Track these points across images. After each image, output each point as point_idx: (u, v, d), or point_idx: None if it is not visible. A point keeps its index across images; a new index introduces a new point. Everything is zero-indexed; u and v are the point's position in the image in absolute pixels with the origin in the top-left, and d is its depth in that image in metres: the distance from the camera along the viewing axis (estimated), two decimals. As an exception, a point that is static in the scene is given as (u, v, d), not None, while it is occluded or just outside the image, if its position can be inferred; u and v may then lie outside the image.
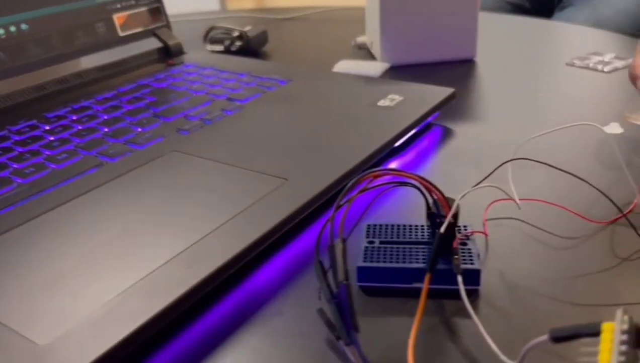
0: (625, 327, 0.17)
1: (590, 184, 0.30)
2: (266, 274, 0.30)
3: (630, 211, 0.31)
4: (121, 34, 0.56)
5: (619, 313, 0.17)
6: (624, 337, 0.16)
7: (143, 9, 0.58)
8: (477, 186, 0.32)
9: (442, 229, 0.26)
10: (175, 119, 0.44)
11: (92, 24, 0.54)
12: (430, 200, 0.28)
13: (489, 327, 0.25)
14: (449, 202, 0.28)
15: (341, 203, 0.24)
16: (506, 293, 0.28)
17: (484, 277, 0.29)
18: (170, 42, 0.59)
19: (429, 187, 0.27)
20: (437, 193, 0.27)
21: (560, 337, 0.18)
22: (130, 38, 0.57)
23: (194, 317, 0.27)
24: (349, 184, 0.25)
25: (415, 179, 0.26)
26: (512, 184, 0.33)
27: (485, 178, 0.33)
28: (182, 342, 0.26)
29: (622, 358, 0.16)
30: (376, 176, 0.26)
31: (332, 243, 0.24)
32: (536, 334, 0.20)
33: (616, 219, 0.31)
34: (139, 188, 0.34)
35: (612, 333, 0.17)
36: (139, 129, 0.42)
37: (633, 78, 0.40)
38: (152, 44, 0.59)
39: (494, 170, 0.33)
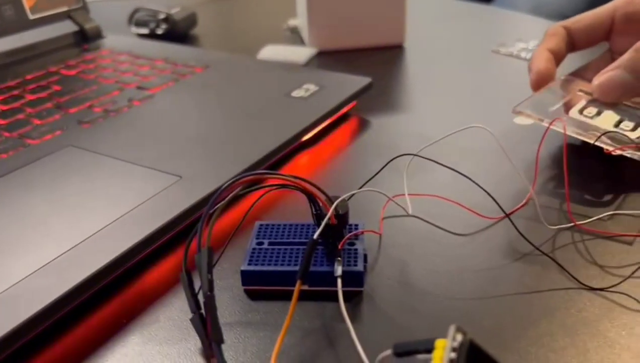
0: (456, 344, 0.17)
1: (477, 184, 0.30)
2: (151, 280, 0.29)
3: (514, 211, 0.31)
4: (31, 17, 0.53)
5: (451, 329, 0.17)
6: (453, 355, 0.16)
7: (55, -10, 0.55)
8: (364, 186, 0.31)
9: (316, 235, 0.26)
10: (78, 110, 0.42)
11: (-3, 6, 0.51)
12: (320, 202, 0.28)
13: (369, 329, 0.25)
14: (334, 203, 0.28)
15: (210, 211, 0.23)
16: (392, 294, 0.27)
17: (371, 278, 0.29)
18: (87, 26, 0.57)
19: (311, 190, 0.26)
20: (320, 196, 0.27)
21: (401, 352, 0.18)
22: (42, 21, 0.54)
23: (71, 324, 0.26)
24: (221, 189, 0.24)
25: (295, 184, 0.26)
26: (405, 181, 0.33)
27: (374, 176, 0.33)
28: (58, 348, 0.25)
29: (449, 377, 0.16)
30: (250, 181, 0.25)
31: (198, 253, 0.23)
32: (417, 336, 0.20)
33: (501, 218, 0.31)
34: (23, 188, 0.33)
35: (442, 350, 0.17)
36: (38, 122, 0.40)
37: (529, 69, 0.40)
38: (67, 27, 0.56)
39: (382, 168, 0.33)
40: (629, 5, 0.39)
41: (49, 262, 0.26)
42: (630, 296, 0.26)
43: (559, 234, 0.31)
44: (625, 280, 0.27)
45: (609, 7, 0.40)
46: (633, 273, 0.27)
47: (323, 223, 0.25)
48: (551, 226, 0.30)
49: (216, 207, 0.24)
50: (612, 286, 0.27)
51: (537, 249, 0.29)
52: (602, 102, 0.36)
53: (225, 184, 0.24)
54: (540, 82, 0.38)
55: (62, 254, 0.27)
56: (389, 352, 0.19)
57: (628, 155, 0.32)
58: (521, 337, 0.24)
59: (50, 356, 0.25)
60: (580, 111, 0.36)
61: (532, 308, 0.26)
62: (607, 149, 0.33)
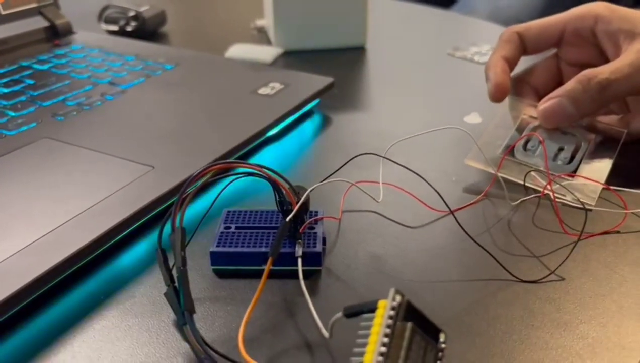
0: (395, 303, 0.20)
1: (426, 181, 0.33)
2: (127, 261, 0.31)
3: (458, 209, 0.34)
4: (2, 12, 0.55)
5: (391, 292, 0.20)
6: (392, 312, 0.20)
7: (26, -14, 0.57)
8: (326, 180, 0.34)
9: (288, 219, 0.29)
10: (53, 104, 0.44)
11: (-32, 0, 0.52)
12: (284, 189, 0.31)
13: (325, 302, 0.28)
14: (297, 192, 0.31)
15: (183, 194, 0.26)
16: (346, 273, 0.31)
17: (329, 258, 0.32)
18: (58, 22, 0.58)
19: (275, 179, 0.29)
20: (283, 185, 0.30)
21: (350, 313, 0.21)
22: (13, 17, 0.55)
23: (53, 300, 0.28)
24: (193, 176, 0.27)
25: (260, 172, 0.29)
26: (364, 175, 0.36)
27: (337, 170, 0.36)
28: (42, 321, 0.27)
29: (388, 330, 0.19)
30: (220, 169, 0.28)
31: (172, 232, 0.26)
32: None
33: (446, 214, 0.34)
34: (2, 177, 0.34)
35: (384, 309, 0.20)
36: (12, 114, 0.42)
37: (485, 77, 0.42)
38: (39, 23, 0.58)
39: (345, 163, 0.36)
40: (579, 21, 0.42)
41: (30, 244, 0.28)
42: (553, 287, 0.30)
43: (497, 226, 0.34)
44: (552, 272, 0.30)
45: (561, 18, 0.42)
46: (558, 266, 0.30)
47: (296, 208, 0.28)
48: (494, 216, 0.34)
49: (188, 191, 0.26)
50: (542, 278, 0.30)
51: (475, 241, 0.31)
52: (545, 127, 0.39)
53: (197, 171, 0.27)
54: (498, 94, 0.40)
55: (42, 236, 0.29)
56: (340, 314, 0.22)
57: (557, 199, 0.35)
58: (456, 307, 0.28)
59: (36, 328, 0.27)
60: (525, 146, 0.39)
61: (465, 295, 0.29)
62: (542, 192, 0.36)
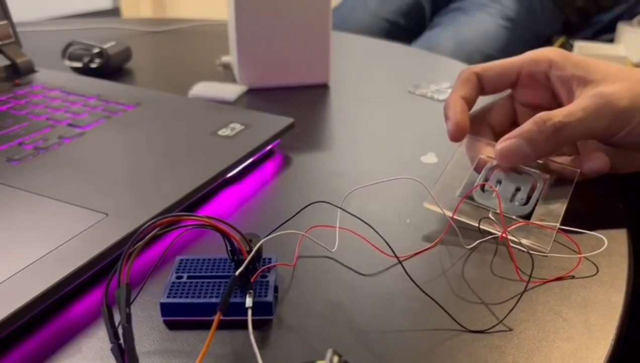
0: (332, 365, 0.20)
1: (378, 233, 0.34)
2: (77, 312, 0.31)
3: (406, 257, 0.35)
4: (-38, 51, 0.54)
5: (329, 353, 0.20)
6: (329, 375, 0.20)
7: (-13, 25, 0.56)
8: (282, 225, 0.35)
9: (237, 272, 0.29)
10: (8, 147, 0.43)
11: None
12: (235, 240, 0.31)
13: (276, 354, 0.28)
14: (250, 240, 0.31)
15: (129, 251, 0.26)
16: (298, 321, 0.31)
17: (282, 306, 0.32)
18: (18, 60, 0.58)
19: (225, 230, 0.30)
20: (234, 235, 0.30)
21: (290, 374, 0.21)
22: (-28, 55, 0.55)
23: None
24: (140, 231, 0.27)
25: (210, 224, 0.29)
26: (320, 221, 0.36)
27: (292, 217, 0.36)
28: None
29: (325, 394, 0.19)
30: (169, 222, 0.28)
31: (118, 288, 0.25)
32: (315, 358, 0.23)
33: (395, 263, 0.35)
34: (-50, 226, 0.34)
35: (322, 371, 0.20)
36: (-34, 159, 0.42)
37: (445, 116, 0.44)
38: (-1, 61, 0.57)
39: (299, 211, 0.36)
40: (534, 65, 0.43)
41: (-25, 298, 0.28)
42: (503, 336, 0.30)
43: (450, 271, 0.35)
44: (500, 322, 0.30)
45: (517, 61, 0.44)
46: (506, 316, 0.31)
47: (244, 264, 0.29)
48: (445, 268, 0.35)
49: (135, 247, 0.26)
50: (491, 327, 0.30)
51: (422, 291, 0.31)
52: (502, 167, 0.40)
53: (145, 226, 0.27)
54: (458, 133, 0.42)
55: (-12, 290, 0.29)
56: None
57: (512, 243, 0.36)
58: (404, 358, 0.28)
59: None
60: (482, 187, 0.40)
61: (414, 344, 0.29)
62: (500, 237, 0.37)
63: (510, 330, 0.30)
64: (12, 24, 0.59)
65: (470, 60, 1.08)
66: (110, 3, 2.61)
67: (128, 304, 0.25)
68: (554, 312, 0.31)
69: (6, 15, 0.59)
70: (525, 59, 0.44)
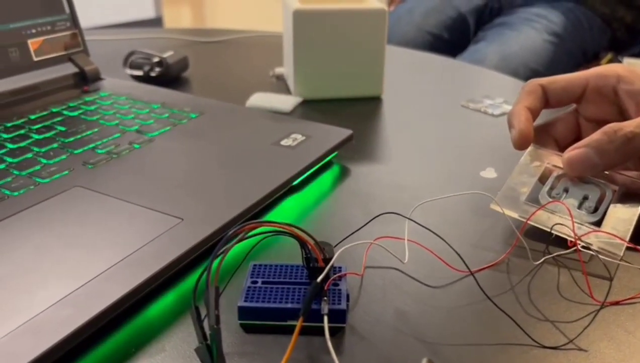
0: (427, 373, 0.21)
1: (450, 246, 0.34)
2: (155, 312, 0.32)
3: (477, 270, 0.35)
4: (35, 58, 0.57)
5: (424, 361, 0.21)
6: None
7: (59, 34, 0.59)
8: (349, 236, 0.35)
9: (319, 279, 0.30)
10: (83, 152, 0.45)
11: (4, 48, 0.54)
12: (310, 247, 0.32)
13: (351, 361, 0.29)
14: (323, 247, 0.32)
15: (218, 252, 0.27)
16: (369, 330, 0.31)
17: (352, 315, 0.32)
18: (87, 68, 0.60)
19: (302, 237, 0.30)
20: (310, 242, 0.31)
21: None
22: (45, 63, 0.58)
23: (84, 353, 0.29)
24: (227, 235, 0.28)
25: (289, 231, 0.30)
26: (387, 231, 0.37)
27: (361, 228, 0.37)
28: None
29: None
30: (252, 228, 0.29)
31: (207, 290, 0.27)
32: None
33: (467, 275, 0.35)
34: (35, 226, 0.36)
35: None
36: (46, 161, 0.44)
37: (509, 125, 0.44)
38: (68, 68, 0.60)
39: (367, 222, 0.37)
40: (601, 79, 0.43)
41: (67, 295, 0.29)
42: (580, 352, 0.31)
43: (517, 287, 0.35)
44: (570, 341, 0.30)
45: (583, 75, 0.44)
46: (579, 334, 0.31)
47: (325, 271, 0.29)
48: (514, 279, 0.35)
49: (223, 249, 0.27)
50: (564, 344, 0.30)
51: (495, 304, 0.32)
52: (569, 176, 0.40)
53: (232, 230, 0.28)
54: (522, 141, 0.42)
55: (78, 287, 0.30)
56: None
57: (583, 247, 0.36)
58: (481, 369, 0.29)
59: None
60: (549, 193, 0.40)
61: (491, 358, 0.30)
62: (570, 241, 0.37)
63: (585, 350, 0.30)
64: (81, 33, 0.62)
65: (515, 74, 1.08)
66: (153, 13, 2.69)
67: (217, 306, 0.26)
68: (628, 332, 0.31)
69: (76, 24, 0.61)
70: (591, 73, 0.44)
